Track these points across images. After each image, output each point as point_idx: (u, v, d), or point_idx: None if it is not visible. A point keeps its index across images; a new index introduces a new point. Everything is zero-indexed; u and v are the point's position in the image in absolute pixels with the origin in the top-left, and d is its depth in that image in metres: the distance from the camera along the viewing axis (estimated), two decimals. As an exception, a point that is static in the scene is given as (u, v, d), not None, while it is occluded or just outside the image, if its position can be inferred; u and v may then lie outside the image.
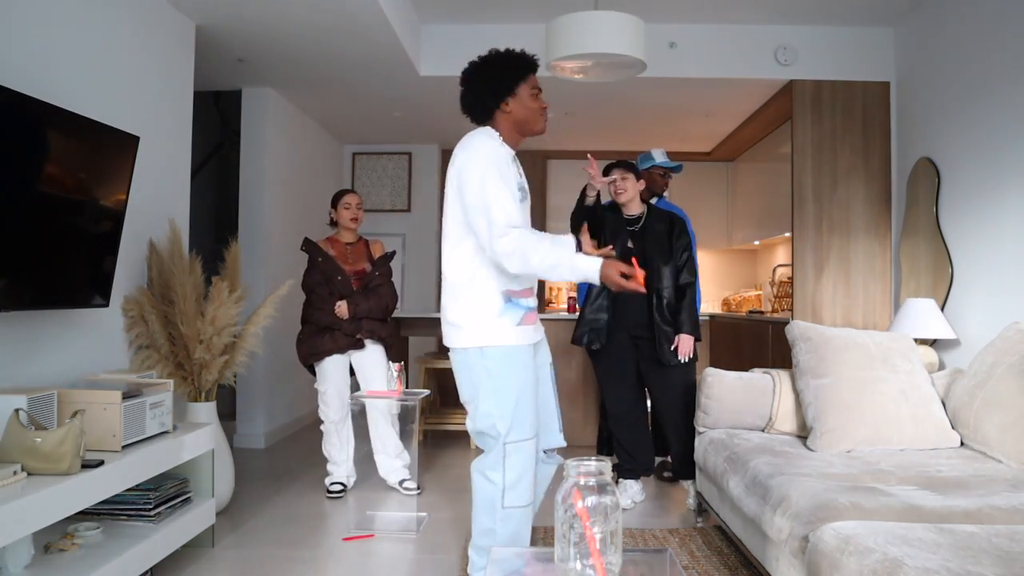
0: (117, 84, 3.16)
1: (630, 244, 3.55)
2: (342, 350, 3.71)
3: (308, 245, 3.79)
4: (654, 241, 3.54)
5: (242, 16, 3.80)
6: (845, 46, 4.64)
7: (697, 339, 3.51)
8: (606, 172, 3.51)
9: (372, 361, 3.74)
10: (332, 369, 3.72)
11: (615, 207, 3.63)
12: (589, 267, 2.15)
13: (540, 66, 2.41)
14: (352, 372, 3.83)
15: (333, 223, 3.88)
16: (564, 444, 2.49)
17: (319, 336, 3.70)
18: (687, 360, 3.47)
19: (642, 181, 3.62)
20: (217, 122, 6.13)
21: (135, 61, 3.31)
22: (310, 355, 3.72)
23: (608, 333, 3.53)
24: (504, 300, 2.27)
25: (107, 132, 2.73)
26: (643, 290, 2.14)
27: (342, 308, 3.66)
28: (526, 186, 2.38)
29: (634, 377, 3.61)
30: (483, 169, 2.19)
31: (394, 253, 3.98)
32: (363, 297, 3.70)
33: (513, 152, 2.37)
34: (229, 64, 4.54)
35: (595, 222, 3.37)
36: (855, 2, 4.29)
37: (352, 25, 3.91)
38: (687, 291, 3.52)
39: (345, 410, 3.77)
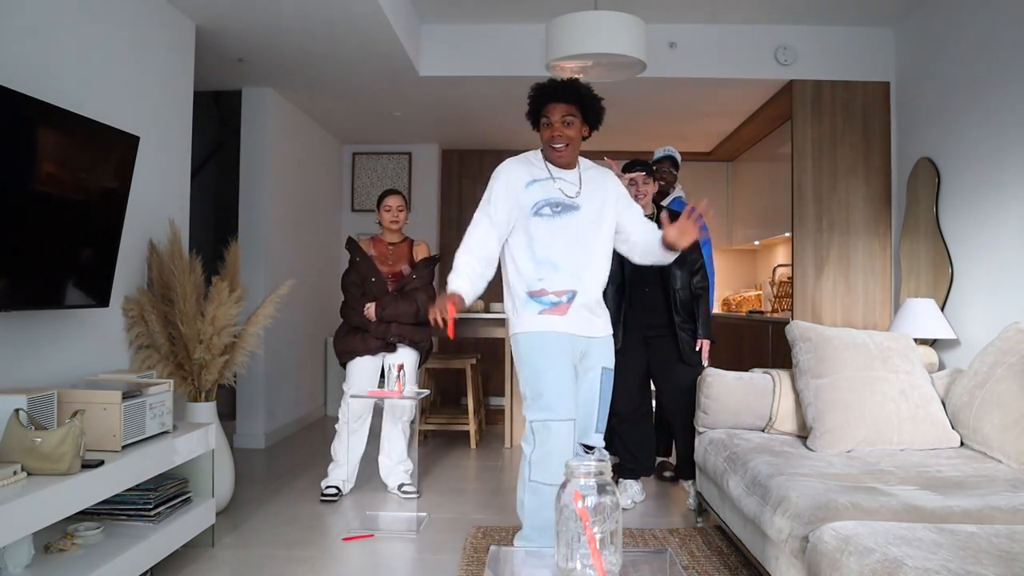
0: (117, 84, 3.16)
1: None
2: (372, 352, 3.70)
3: (350, 244, 3.82)
4: None
5: (242, 16, 3.80)
6: (845, 46, 4.64)
7: (712, 342, 3.65)
8: (626, 169, 3.59)
9: (401, 362, 3.67)
10: (359, 371, 3.71)
11: None
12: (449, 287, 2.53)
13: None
14: (382, 374, 3.81)
15: (380, 224, 3.89)
16: (596, 445, 2.64)
17: (351, 336, 3.71)
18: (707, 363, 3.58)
19: (656, 183, 3.66)
20: (217, 122, 6.13)
21: (135, 61, 3.31)
22: (343, 354, 3.73)
23: (622, 333, 3.54)
24: (527, 296, 2.57)
25: (107, 132, 2.73)
26: (451, 335, 2.40)
27: (370, 310, 3.66)
28: (568, 201, 2.55)
29: (642, 376, 3.62)
30: (487, 188, 2.63)
31: (437, 257, 3.97)
32: (392, 300, 3.68)
33: (557, 168, 2.60)
34: (229, 64, 4.54)
35: None
36: (855, 2, 4.29)
37: (352, 25, 3.91)
38: (702, 296, 3.60)
39: (364, 414, 3.76)
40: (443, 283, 2.62)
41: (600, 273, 2.64)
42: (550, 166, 2.60)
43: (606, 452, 2.70)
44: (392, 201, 3.82)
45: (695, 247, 3.62)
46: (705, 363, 3.57)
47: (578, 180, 2.61)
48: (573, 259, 2.55)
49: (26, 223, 2.36)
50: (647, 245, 2.67)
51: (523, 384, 2.57)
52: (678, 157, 4.45)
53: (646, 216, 3.57)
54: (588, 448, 2.64)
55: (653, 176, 3.61)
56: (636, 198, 3.53)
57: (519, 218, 2.57)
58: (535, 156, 2.64)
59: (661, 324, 3.55)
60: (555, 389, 2.50)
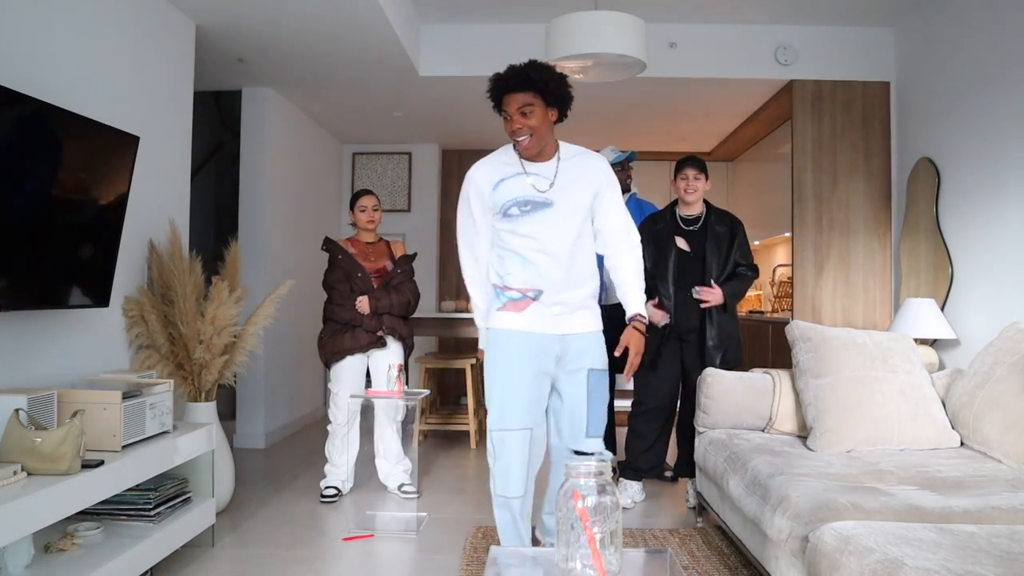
0: (117, 84, 3.16)
1: (684, 246, 3.54)
2: (363, 348, 3.68)
3: (328, 244, 3.79)
4: (714, 243, 3.54)
5: (242, 16, 3.80)
6: (845, 46, 4.64)
7: (725, 308, 3.51)
8: (678, 168, 3.55)
9: (390, 361, 3.68)
10: (347, 371, 3.70)
11: (670, 206, 3.66)
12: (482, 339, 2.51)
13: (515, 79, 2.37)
14: (368, 373, 3.80)
15: (354, 224, 3.88)
16: (592, 451, 2.44)
17: (340, 334, 3.68)
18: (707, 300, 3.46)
19: (709, 181, 3.61)
20: (217, 122, 6.13)
21: (135, 61, 3.31)
22: (332, 354, 3.69)
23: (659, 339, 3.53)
24: (494, 289, 2.47)
25: (107, 132, 2.73)
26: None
27: (363, 303, 3.64)
28: (539, 198, 2.37)
29: (676, 375, 3.60)
30: (460, 194, 2.53)
31: (416, 254, 3.97)
32: (384, 293, 3.68)
33: (530, 162, 2.40)
34: (229, 64, 4.54)
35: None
36: (855, 2, 4.29)
37: (352, 25, 3.91)
38: (744, 277, 3.54)
39: (354, 414, 3.75)
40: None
41: (580, 268, 2.45)
42: (523, 161, 2.41)
43: (608, 453, 2.64)
44: (367, 201, 3.82)
45: (743, 237, 3.60)
46: (699, 292, 3.44)
47: (553, 173, 2.39)
48: (543, 257, 2.37)
49: (26, 223, 2.36)
50: (611, 267, 2.54)
51: (485, 386, 2.48)
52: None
53: (693, 216, 3.57)
54: (580, 455, 2.57)
55: (705, 174, 3.56)
56: (686, 192, 3.53)
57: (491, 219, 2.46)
58: (507, 152, 2.45)
59: (693, 328, 3.52)
60: (509, 397, 2.39)
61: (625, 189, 4.32)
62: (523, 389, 2.39)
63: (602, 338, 2.52)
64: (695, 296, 3.46)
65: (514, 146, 2.41)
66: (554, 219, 2.37)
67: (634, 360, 2.45)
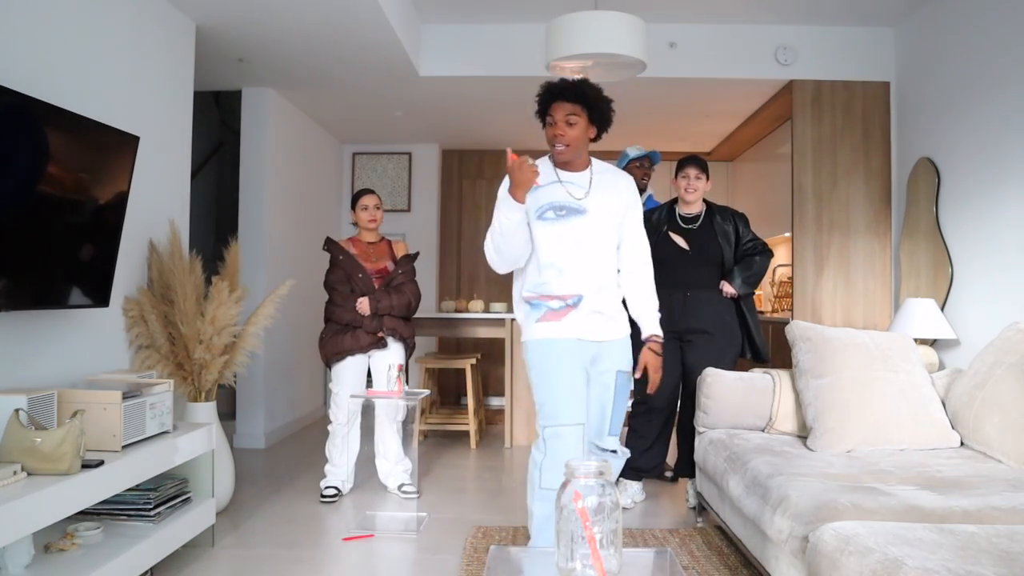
0: (117, 84, 3.16)
1: (683, 244, 3.54)
2: (364, 349, 3.68)
3: (329, 244, 3.79)
4: (724, 238, 3.54)
5: (242, 16, 3.80)
6: (845, 46, 4.64)
7: (740, 294, 3.55)
8: (680, 167, 3.57)
9: (391, 361, 3.67)
10: (348, 371, 3.69)
11: (670, 205, 3.67)
12: (504, 193, 2.45)
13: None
14: (369, 374, 3.80)
15: (356, 224, 3.87)
16: (609, 448, 2.58)
17: (341, 335, 3.68)
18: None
19: (710, 181, 3.62)
20: (217, 122, 6.13)
21: (135, 61, 3.31)
22: (333, 355, 3.70)
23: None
24: (527, 304, 2.55)
25: (107, 132, 2.73)
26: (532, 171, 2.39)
27: (363, 304, 3.64)
28: (574, 204, 2.47)
29: (677, 375, 3.59)
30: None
31: (418, 254, 3.96)
32: (384, 294, 3.67)
33: (565, 171, 2.53)
34: (229, 64, 4.54)
35: None
36: (855, 2, 4.29)
37: (352, 25, 3.91)
38: (760, 258, 3.56)
39: (355, 414, 3.76)
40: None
41: (612, 276, 2.58)
42: (558, 170, 2.54)
43: (627, 450, 2.67)
44: (369, 200, 3.81)
45: (749, 230, 3.61)
46: (726, 289, 3.54)
47: (588, 183, 2.52)
48: (579, 263, 2.48)
49: (26, 223, 2.36)
50: (626, 284, 2.62)
51: (535, 390, 2.53)
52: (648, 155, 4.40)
53: (692, 215, 3.60)
54: (603, 451, 2.61)
55: (707, 174, 3.56)
56: (686, 192, 3.54)
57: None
58: (543, 162, 2.56)
59: (694, 329, 3.51)
60: (562, 395, 2.46)
61: (641, 189, 4.34)
62: (572, 387, 2.48)
63: (629, 342, 2.62)
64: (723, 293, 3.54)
65: (549, 156, 2.55)
66: (589, 225, 2.49)
67: (654, 378, 2.59)
